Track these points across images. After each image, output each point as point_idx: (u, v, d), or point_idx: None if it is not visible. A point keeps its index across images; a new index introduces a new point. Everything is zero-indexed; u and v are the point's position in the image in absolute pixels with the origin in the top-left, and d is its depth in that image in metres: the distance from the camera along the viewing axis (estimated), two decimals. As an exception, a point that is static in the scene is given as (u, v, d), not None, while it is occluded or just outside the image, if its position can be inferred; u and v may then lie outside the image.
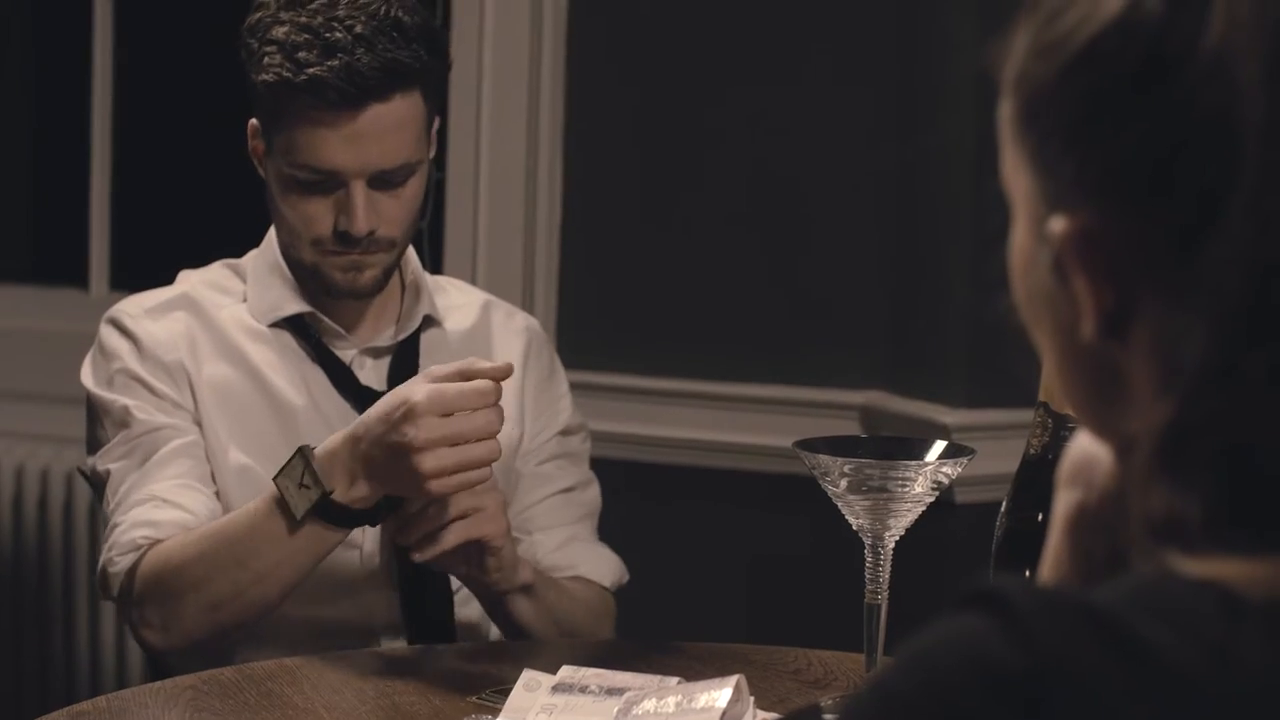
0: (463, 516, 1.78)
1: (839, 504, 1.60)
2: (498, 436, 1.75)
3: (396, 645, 1.95)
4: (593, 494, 2.11)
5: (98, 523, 1.95)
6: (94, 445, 1.97)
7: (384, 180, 1.91)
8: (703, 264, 2.89)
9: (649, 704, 1.47)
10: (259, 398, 1.97)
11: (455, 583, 1.97)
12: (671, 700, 1.46)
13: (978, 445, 1.63)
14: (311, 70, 1.85)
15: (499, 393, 1.74)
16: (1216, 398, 0.77)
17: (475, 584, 1.89)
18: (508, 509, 1.87)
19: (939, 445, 1.62)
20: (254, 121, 1.95)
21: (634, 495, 2.71)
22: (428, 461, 1.71)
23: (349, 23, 1.86)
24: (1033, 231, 0.84)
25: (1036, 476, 1.48)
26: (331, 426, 1.89)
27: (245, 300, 2.02)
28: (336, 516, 1.79)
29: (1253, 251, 0.76)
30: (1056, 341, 0.85)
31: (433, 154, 1.99)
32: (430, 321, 2.05)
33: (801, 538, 2.75)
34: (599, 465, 2.15)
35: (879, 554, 1.60)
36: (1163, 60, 0.77)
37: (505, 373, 1.75)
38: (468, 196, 2.98)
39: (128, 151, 3.39)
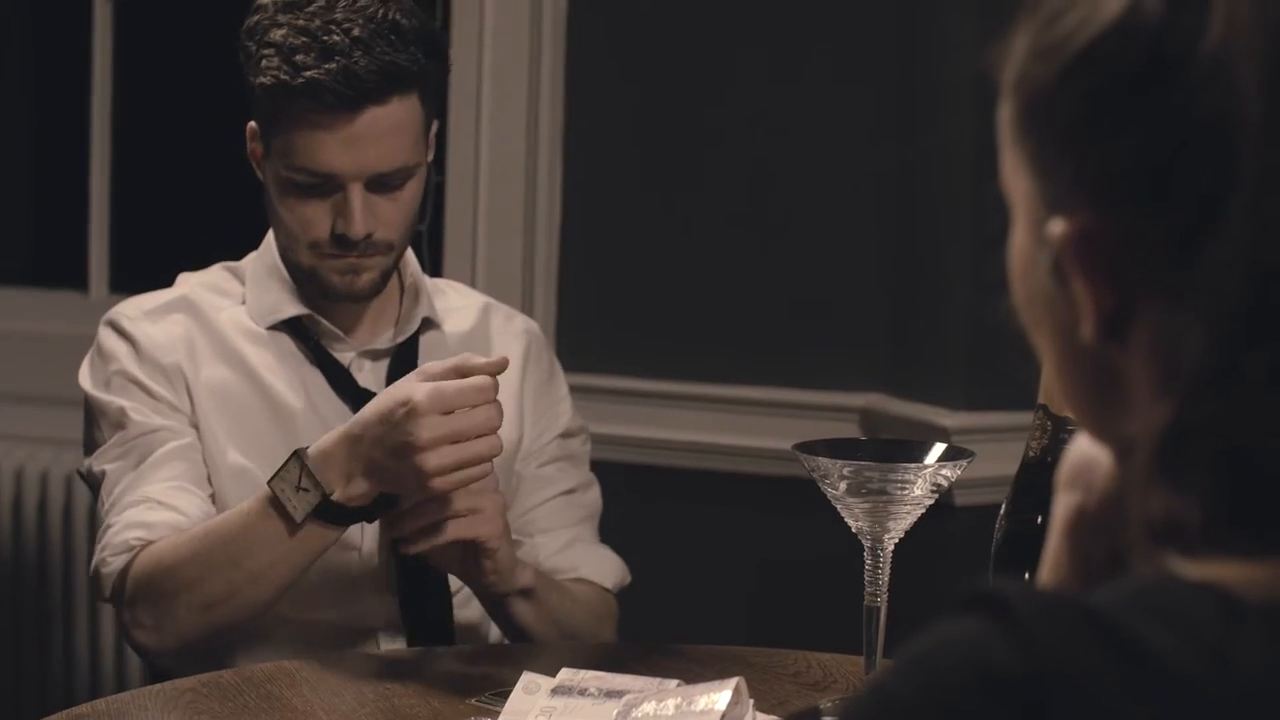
0: (459, 516, 1.79)
1: (838, 506, 1.60)
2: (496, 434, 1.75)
3: (396, 647, 1.95)
4: (594, 496, 2.11)
5: (97, 525, 1.95)
6: (90, 446, 1.98)
7: (381, 183, 1.91)
8: (702, 266, 2.89)
9: (648, 706, 1.46)
10: (257, 400, 1.97)
11: (455, 584, 1.97)
12: (671, 703, 1.46)
13: (977, 448, 1.63)
14: (309, 73, 1.85)
15: (497, 387, 1.75)
16: (1216, 400, 0.77)
17: (472, 585, 1.90)
18: (507, 512, 1.87)
19: (938, 448, 1.62)
20: (252, 124, 1.95)
21: (633, 497, 2.71)
22: (432, 460, 1.72)
23: (346, 26, 1.86)
24: (1032, 233, 0.84)
25: (1036, 479, 1.48)
26: (330, 429, 1.89)
27: (244, 303, 2.02)
28: (334, 515, 1.79)
29: (1252, 253, 0.76)
30: (1056, 343, 0.85)
31: (431, 157, 1.99)
32: (429, 324, 2.05)
33: (801, 540, 2.74)
34: (598, 468, 2.15)
35: (878, 556, 1.60)
36: (1162, 62, 0.77)
37: (500, 367, 1.76)
38: (467, 199, 2.98)
39: (127, 153, 3.39)
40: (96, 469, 1.95)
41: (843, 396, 2.81)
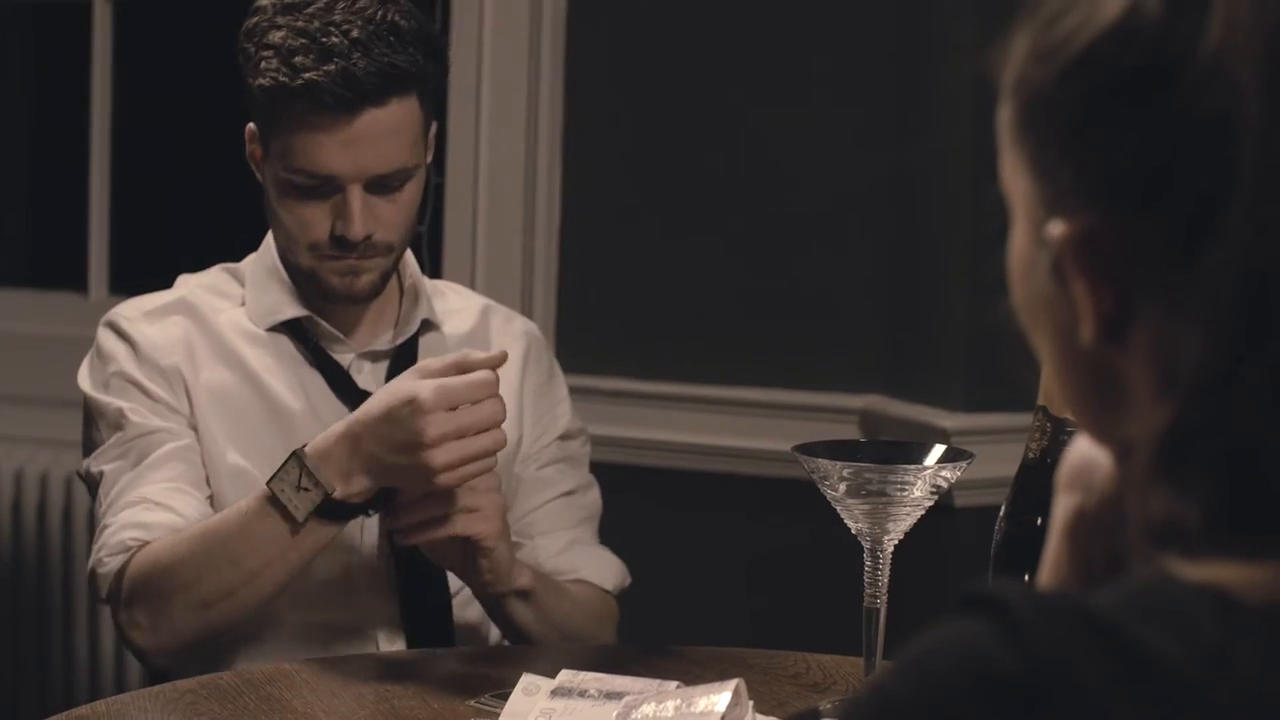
0: (458, 513, 1.79)
1: (838, 508, 1.60)
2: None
3: (395, 649, 1.95)
4: (593, 498, 2.11)
5: (95, 526, 1.95)
6: (89, 447, 1.98)
7: (380, 185, 1.91)
8: (702, 268, 2.89)
9: (648, 708, 1.47)
10: (257, 402, 1.97)
11: (455, 585, 1.97)
12: (670, 704, 1.46)
13: (977, 449, 1.63)
14: (308, 75, 1.85)
15: (498, 381, 1.76)
16: (1215, 402, 0.77)
17: (470, 583, 1.90)
18: (507, 514, 1.87)
19: (938, 449, 1.62)
20: (251, 126, 1.95)
21: (633, 499, 2.71)
22: (439, 456, 1.73)
23: (345, 27, 1.86)
24: (1031, 235, 0.84)
25: (1035, 480, 1.48)
26: (329, 430, 1.90)
27: (243, 304, 2.02)
28: (334, 512, 1.79)
29: (1251, 255, 0.76)
30: (1055, 345, 0.85)
31: (430, 158, 1.99)
32: (428, 325, 2.05)
33: (800, 542, 2.74)
34: (598, 469, 2.15)
35: (878, 558, 1.60)
36: (1161, 65, 0.77)
37: (499, 361, 1.77)
38: (467, 200, 2.98)
39: (127, 155, 3.39)
40: (94, 470, 1.95)
41: (842, 398, 2.81)
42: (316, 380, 1.99)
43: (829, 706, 1.68)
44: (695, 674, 1.69)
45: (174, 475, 1.91)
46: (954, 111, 2.65)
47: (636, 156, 2.92)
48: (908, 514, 1.58)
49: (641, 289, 2.93)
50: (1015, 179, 0.85)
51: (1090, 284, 0.80)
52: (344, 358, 2.01)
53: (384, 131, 1.88)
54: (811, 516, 1.83)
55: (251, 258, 2.06)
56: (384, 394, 1.77)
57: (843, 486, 1.57)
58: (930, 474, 1.57)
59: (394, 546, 1.94)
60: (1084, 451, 0.92)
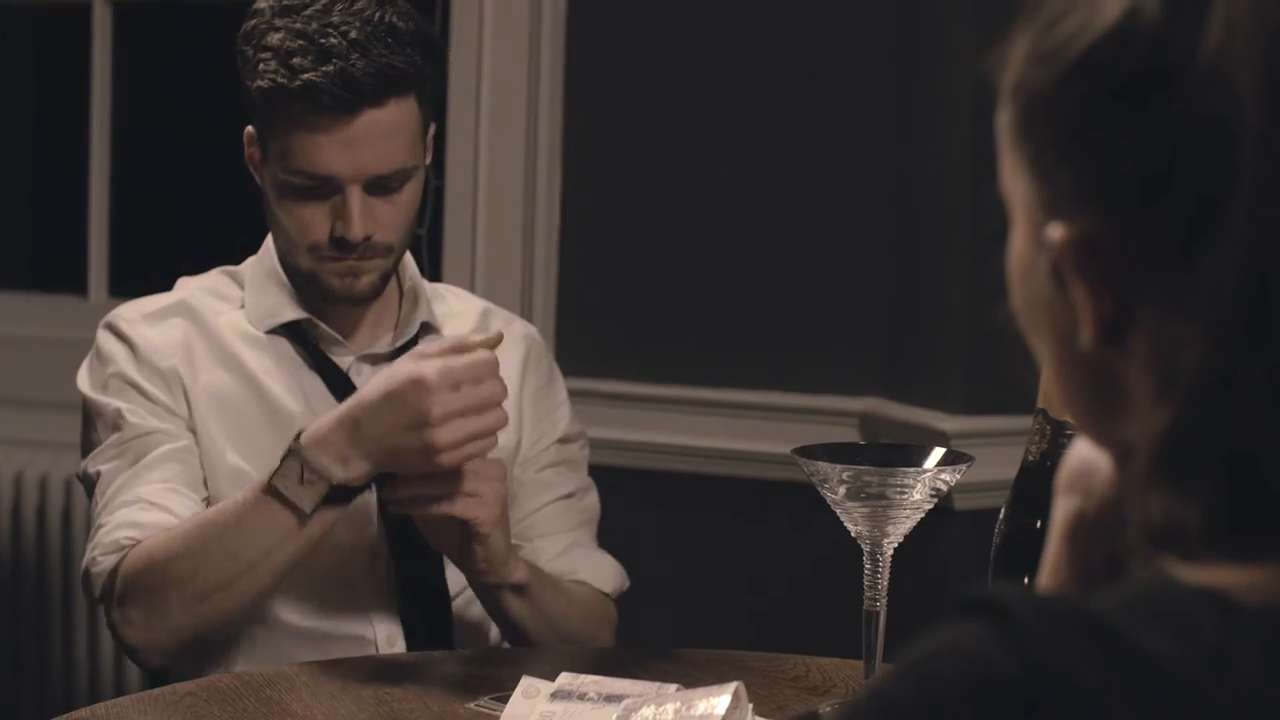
0: (458, 495, 1.80)
1: (837, 511, 1.60)
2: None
3: (395, 652, 1.95)
4: (592, 500, 2.11)
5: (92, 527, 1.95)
6: (87, 448, 1.98)
7: (380, 186, 1.91)
8: (701, 271, 2.89)
9: (647, 711, 1.46)
10: (256, 404, 1.97)
11: (454, 587, 1.97)
12: (670, 707, 1.46)
13: (976, 452, 1.63)
14: (306, 76, 1.85)
15: (498, 361, 1.79)
16: (1215, 404, 0.77)
17: (465, 571, 1.90)
18: (508, 506, 1.88)
19: (937, 452, 1.62)
20: (250, 129, 1.95)
21: (632, 502, 2.71)
22: (444, 435, 1.75)
23: (344, 29, 1.86)
24: (1031, 238, 0.84)
25: (1035, 483, 1.47)
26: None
27: (243, 307, 2.02)
28: (335, 496, 1.81)
29: (1251, 257, 0.76)
30: (1055, 348, 0.85)
31: (429, 160, 1.99)
32: (428, 328, 2.05)
33: (800, 545, 2.74)
34: (597, 472, 2.15)
35: (877, 561, 1.60)
36: (1161, 67, 0.77)
37: (496, 342, 1.81)
38: (466, 203, 2.98)
39: (127, 157, 3.39)
40: (92, 470, 1.95)
41: (842, 401, 2.81)
42: (316, 383, 2.00)
43: (829, 709, 1.68)
44: (695, 677, 1.69)
45: (170, 476, 1.92)
46: (954, 112, 2.64)
47: (636, 159, 2.92)
48: (907, 517, 1.58)
49: (641, 291, 2.93)
50: (1015, 181, 0.85)
51: (1090, 287, 0.80)
52: (343, 360, 2.01)
53: (382, 132, 1.88)
54: (811, 519, 1.83)
55: (251, 260, 2.06)
56: (382, 378, 1.79)
57: (842, 489, 1.57)
58: (930, 477, 1.57)
59: (394, 548, 1.94)
60: (1084, 454, 0.92)
